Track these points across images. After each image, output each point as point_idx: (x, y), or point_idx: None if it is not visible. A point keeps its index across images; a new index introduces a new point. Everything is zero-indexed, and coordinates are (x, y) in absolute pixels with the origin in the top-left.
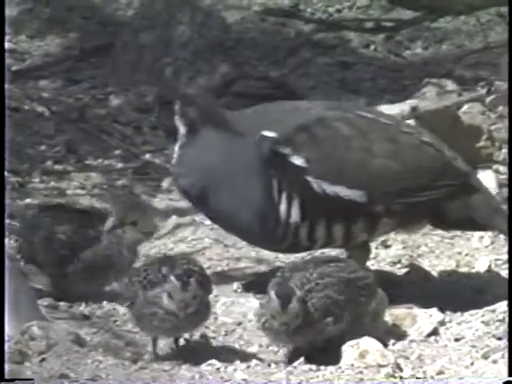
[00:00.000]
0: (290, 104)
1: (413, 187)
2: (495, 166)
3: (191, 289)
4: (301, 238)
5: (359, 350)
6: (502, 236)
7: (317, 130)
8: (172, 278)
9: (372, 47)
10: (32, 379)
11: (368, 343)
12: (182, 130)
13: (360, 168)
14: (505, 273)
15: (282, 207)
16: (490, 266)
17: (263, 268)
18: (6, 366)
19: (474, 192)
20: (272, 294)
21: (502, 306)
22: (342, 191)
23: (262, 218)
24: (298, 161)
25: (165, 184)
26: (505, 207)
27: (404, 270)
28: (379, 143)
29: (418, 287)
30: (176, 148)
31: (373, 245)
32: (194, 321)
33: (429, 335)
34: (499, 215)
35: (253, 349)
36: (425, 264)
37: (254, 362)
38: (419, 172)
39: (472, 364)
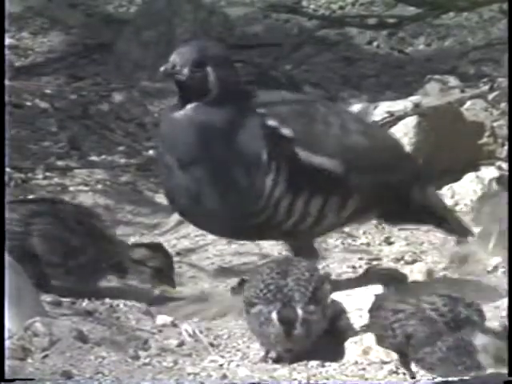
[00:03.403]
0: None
1: (380, 165)
2: (498, 163)
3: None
4: (279, 212)
5: (362, 347)
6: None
7: (299, 106)
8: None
9: (375, 43)
10: (33, 379)
11: (371, 340)
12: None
13: (338, 141)
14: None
15: (269, 178)
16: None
17: None
18: (9, 363)
19: (428, 185)
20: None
21: (505, 302)
22: (324, 162)
23: (246, 191)
24: (286, 131)
25: None
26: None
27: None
28: (351, 122)
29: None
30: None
31: (376, 242)
32: None
33: None
34: (452, 212)
35: (256, 345)
36: (428, 261)
37: (258, 358)
38: (386, 150)
39: None
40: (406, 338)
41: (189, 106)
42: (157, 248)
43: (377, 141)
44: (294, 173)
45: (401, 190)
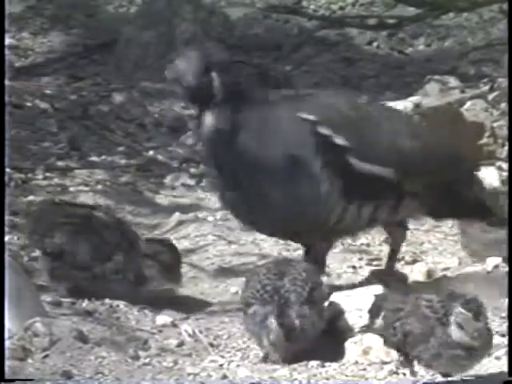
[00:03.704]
0: (308, 91)
1: (433, 167)
2: (498, 163)
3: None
4: (332, 218)
5: (362, 347)
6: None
7: (349, 113)
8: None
9: (375, 44)
10: (33, 379)
11: (371, 340)
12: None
13: (391, 148)
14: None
15: (323, 187)
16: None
17: None
18: (9, 363)
19: (477, 180)
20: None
21: (506, 303)
22: (378, 170)
23: (299, 199)
24: (340, 141)
25: (168, 180)
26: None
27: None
28: (402, 125)
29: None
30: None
31: (376, 242)
32: None
33: None
34: (499, 205)
35: (256, 345)
36: (428, 261)
37: (257, 358)
38: (438, 151)
39: None
40: (404, 336)
41: (215, 116)
42: (165, 244)
43: (428, 142)
44: (347, 181)
45: (452, 188)
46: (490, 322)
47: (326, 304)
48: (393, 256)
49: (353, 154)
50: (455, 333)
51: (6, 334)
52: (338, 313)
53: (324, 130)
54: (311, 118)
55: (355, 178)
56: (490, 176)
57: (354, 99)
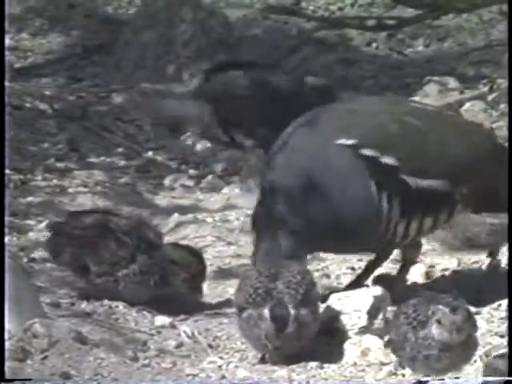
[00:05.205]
0: (345, 106)
1: (482, 170)
2: None
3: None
4: (397, 235)
5: (361, 348)
6: None
7: (392, 127)
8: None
9: (374, 45)
10: (31, 379)
11: (370, 341)
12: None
13: (441, 160)
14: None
15: (384, 206)
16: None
17: None
18: (9, 364)
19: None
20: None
21: (504, 304)
22: (432, 183)
23: (365, 219)
24: (389, 160)
25: (167, 182)
26: None
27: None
28: (446, 131)
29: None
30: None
31: None
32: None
33: None
34: None
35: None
36: (426, 262)
37: (256, 359)
38: (485, 153)
39: (475, 361)
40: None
41: None
42: (194, 253)
43: (475, 146)
44: (405, 198)
45: (495, 185)
46: (488, 322)
47: (323, 305)
48: (404, 271)
49: (405, 172)
50: (435, 330)
51: (6, 335)
52: (335, 314)
53: (367, 152)
54: (350, 142)
55: (412, 194)
56: None
57: (394, 110)
